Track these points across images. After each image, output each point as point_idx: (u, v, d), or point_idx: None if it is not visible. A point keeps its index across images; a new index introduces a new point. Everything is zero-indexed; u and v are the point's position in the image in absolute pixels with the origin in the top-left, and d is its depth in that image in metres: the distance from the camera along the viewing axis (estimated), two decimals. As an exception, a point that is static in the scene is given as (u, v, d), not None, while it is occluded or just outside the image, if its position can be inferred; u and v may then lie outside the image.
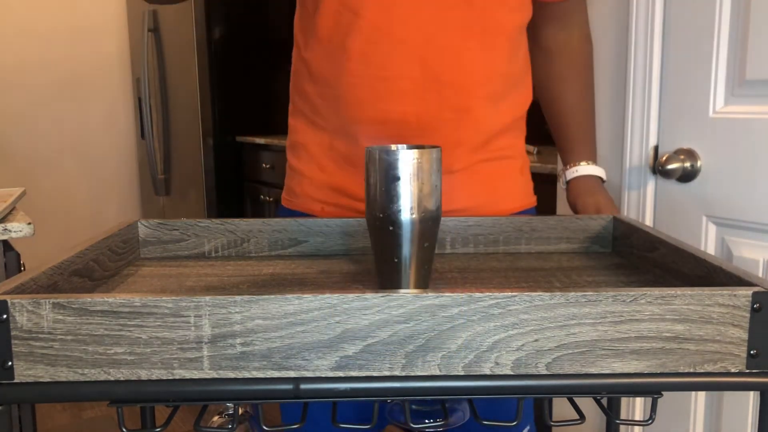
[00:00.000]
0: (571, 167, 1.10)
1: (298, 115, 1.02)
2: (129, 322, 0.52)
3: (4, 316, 0.52)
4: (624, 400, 1.35)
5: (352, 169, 0.96)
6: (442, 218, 0.71)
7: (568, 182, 1.11)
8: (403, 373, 0.54)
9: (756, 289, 0.54)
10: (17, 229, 1.34)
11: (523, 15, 0.97)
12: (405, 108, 0.91)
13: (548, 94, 1.12)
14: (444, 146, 0.91)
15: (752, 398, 1.20)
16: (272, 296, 0.52)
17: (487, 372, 0.54)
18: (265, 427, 0.58)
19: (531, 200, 1.06)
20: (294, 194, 1.02)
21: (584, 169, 1.09)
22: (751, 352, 0.54)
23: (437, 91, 0.91)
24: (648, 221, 1.34)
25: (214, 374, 0.53)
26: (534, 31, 1.08)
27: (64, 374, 0.53)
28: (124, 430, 0.58)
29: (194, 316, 0.52)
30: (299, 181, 1.01)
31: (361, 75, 0.91)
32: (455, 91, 0.91)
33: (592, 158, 1.11)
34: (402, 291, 0.54)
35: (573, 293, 0.53)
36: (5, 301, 0.52)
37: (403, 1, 0.89)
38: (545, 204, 1.54)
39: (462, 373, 0.54)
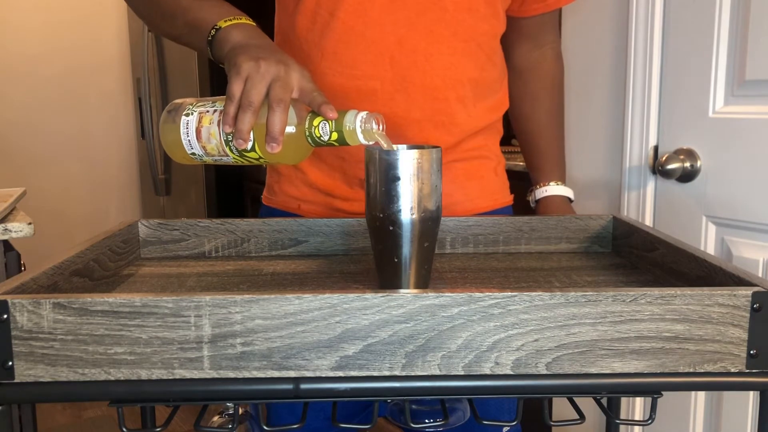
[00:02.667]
0: (540, 187, 1.13)
1: None
2: (129, 322, 0.52)
3: (5, 316, 0.52)
4: (624, 400, 1.35)
5: (325, 166, 0.97)
6: (442, 218, 0.71)
7: (537, 201, 1.14)
8: (403, 373, 0.54)
9: (756, 289, 0.54)
10: (17, 229, 1.34)
11: (493, 25, 0.98)
12: (375, 107, 0.92)
13: (520, 113, 1.14)
14: None
15: (752, 398, 1.20)
16: (272, 296, 0.52)
17: (487, 372, 0.54)
18: (265, 427, 0.58)
19: (506, 199, 1.07)
20: (273, 192, 1.04)
21: (553, 189, 1.12)
22: (751, 352, 0.54)
23: (406, 92, 0.92)
24: (648, 221, 1.34)
25: (214, 374, 0.53)
26: (507, 50, 1.09)
27: (65, 374, 0.53)
28: (124, 430, 0.58)
29: (194, 316, 0.52)
30: (277, 179, 1.03)
31: (332, 74, 0.92)
32: (423, 93, 0.93)
33: (562, 178, 1.14)
34: (402, 291, 0.54)
35: (573, 293, 0.53)
36: (6, 301, 0.52)
37: (378, 3, 0.90)
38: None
39: (462, 373, 0.54)
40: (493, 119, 1.02)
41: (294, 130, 0.71)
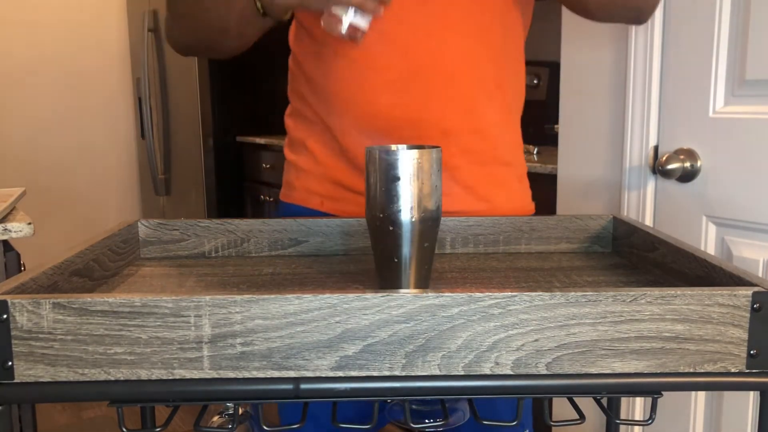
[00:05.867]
0: None
1: (295, 116, 1.04)
2: (129, 322, 0.52)
3: (5, 316, 0.52)
4: (624, 400, 1.35)
5: (348, 162, 0.97)
6: (442, 218, 0.71)
7: None
8: (403, 373, 0.54)
9: (756, 289, 0.54)
10: (17, 229, 1.34)
11: (500, 3, 0.95)
12: (392, 99, 0.92)
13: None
14: (432, 137, 0.92)
15: (752, 398, 1.20)
16: (272, 296, 0.52)
17: (487, 372, 0.54)
18: (265, 427, 0.58)
19: (528, 207, 1.05)
20: (293, 188, 1.03)
21: None
22: (751, 352, 0.54)
23: (422, 81, 0.92)
24: (648, 221, 1.34)
25: (214, 374, 0.53)
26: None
27: (64, 374, 0.53)
28: (124, 430, 0.58)
29: (194, 316, 0.52)
30: (297, 175, 1.02)
31: (347, 69, 0.92)
32: (439, 81, 0.92)
33: None
34: (402, 291, 0.54)
35: (573, 293, 0.53)
36: (5, 301, 0.52)
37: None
38: (545, 204, 1.54)
39: (462, 373, 0.54)
40: (513, 108, 1.00)
41: None
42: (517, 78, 1.01)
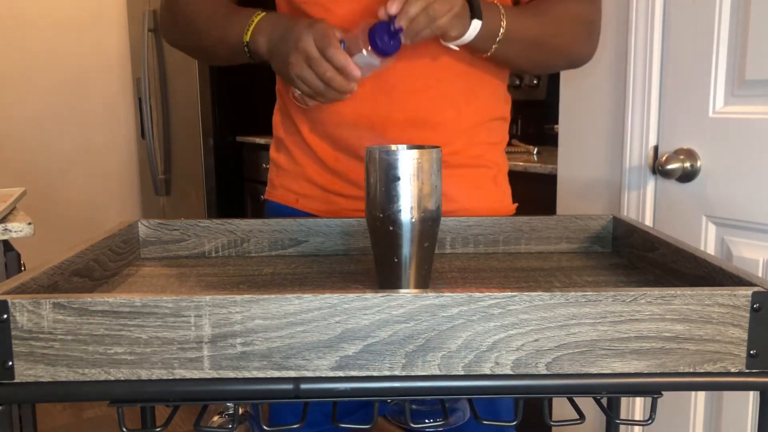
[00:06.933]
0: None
1: (279, 114, 1.06)
2: (129, 322, 0.52)
3: (5, 316, 0.52)
4: (624, 400, 1.35)
5: (319, 163, 0.99)
6: (442, 218, 0.71)
7: None
8: (403, 373, 0.54)
9: (756, 289, 0.54)
10: (17, 229, 1.34)
11: None
12: (357, 110, 0.93)
13: None
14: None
15: (752, 398, 1.20)
16: (272, 296, 0.52)
17: (487, 372, 0.54)
18: (265, 427, 0.58)
19: (509, 209, 1.04)
20: (273, 186, 1.06)
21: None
22: (751, 352, 0.54)
23: (386, 94, 0.92)
24: (648, 221, 1.34)
25: (214, 374, 0.53)
26: None
27: (64, 374, 0.53)
28: (124, 430, 0.58)
29: (194, 316, 0.52)
30: (277, 173, 1.05)
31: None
32: (404, 93, 0.92)
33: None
34: (402, 291, 0.54)
35: (573, 293, 0.53)
36: (6, 301, 0.52)
37: (349, 5, 0.91)
38: (546, 204, 1.54)
39: (462, 373, 0.54)
40: (489, 117, 0.99)
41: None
42: (496, 83, 1.00)
